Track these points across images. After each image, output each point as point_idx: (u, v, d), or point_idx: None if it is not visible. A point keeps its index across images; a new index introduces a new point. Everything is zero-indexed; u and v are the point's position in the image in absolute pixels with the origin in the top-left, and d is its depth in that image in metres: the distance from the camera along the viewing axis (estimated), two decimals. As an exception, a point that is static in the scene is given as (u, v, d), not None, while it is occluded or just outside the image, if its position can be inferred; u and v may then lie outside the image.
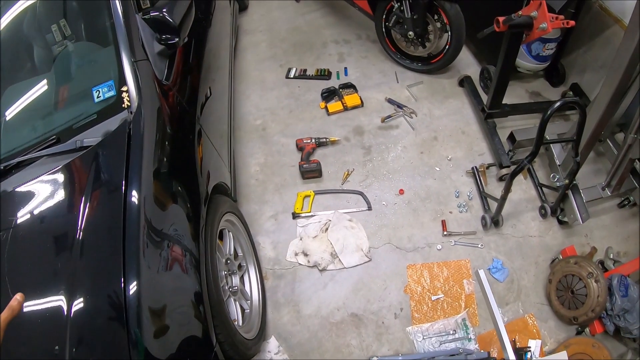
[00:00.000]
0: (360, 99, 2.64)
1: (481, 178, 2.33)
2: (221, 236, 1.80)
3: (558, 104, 1.50)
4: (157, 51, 1.67)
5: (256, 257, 2.06)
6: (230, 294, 1.75)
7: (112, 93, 1.53)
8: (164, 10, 1.62)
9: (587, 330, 2.00)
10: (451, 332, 2.03)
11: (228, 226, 1.86)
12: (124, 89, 1.49)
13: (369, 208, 2.26)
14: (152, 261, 1.22)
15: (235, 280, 1.86)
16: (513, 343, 2.01)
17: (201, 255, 1.42)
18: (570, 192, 2.08)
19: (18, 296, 0.90)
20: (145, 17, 1.63)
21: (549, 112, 1.52)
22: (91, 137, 1.44)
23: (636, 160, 1.90)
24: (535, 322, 2.07)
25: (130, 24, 1.60)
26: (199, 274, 1.38)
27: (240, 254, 1.97)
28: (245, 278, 1.98)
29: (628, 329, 1.86)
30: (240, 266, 1.95)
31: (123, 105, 1.46)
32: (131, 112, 1.44)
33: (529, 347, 2.01)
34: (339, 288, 2.09)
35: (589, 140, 1.85)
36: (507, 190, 1.92)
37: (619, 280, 1.88)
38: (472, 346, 2.00)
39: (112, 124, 1.44)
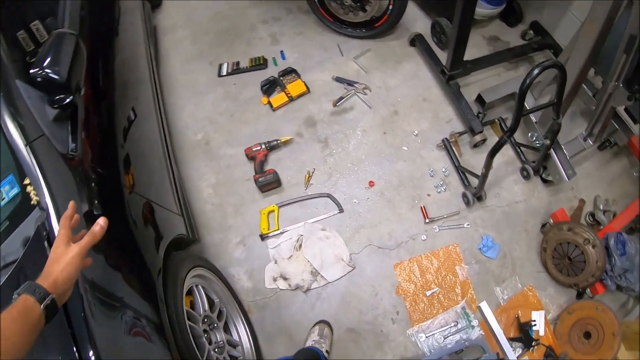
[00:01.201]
0: (305, 84, 2.33)
1: (454, 150, 2.12)
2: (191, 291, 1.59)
3: (536, 71, 1.26)
4: (52, 118, 1.30)
5: (235, 298, 1.84)
6: (217, 353, 1.54)
7: (15, 190, 1.19)
8: (45, 65, 1.24)
9: (588, 291, 1.91)
10: (453, 324, 1.90)
11: (196, 282, 1.62)
12: (27, 181, 1.17)
13: (341, 210, 2.04)
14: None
15: (219, 334, 1.65)
16: (517, 320, 1.91)
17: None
18: (552, 150, 1.90)
19: (101, 221, 0.88)
20: (31, 76, 1.26)
21: (527, 82, 1.28)
22: (11, 250, 1.13)
23: (616, 103, 1.71)
24: (535, 293, 1.96)
25: (12, 97, 1.23)
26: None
27: (216, 299, 1.75)
28: (230, 324, 1.77)
29: (630, 288, 1.77)
30: (220, 312, 1.74)
31: (32, 202, 1.15)
32: (43, 208, 1.13)
33: (533, 321, 1.92)
34: (327, 305, 1.91)
35: (568, 97, 1.64)
36: (488, 167, 1.73)
37: (615, 239, 1.76)
38: (476, 333, 1.89)
39: (28, 227, 1.13)
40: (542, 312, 1.92)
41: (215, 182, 2.18)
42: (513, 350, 1.88)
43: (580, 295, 1.94)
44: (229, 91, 2.41)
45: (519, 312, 1.91)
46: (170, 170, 1.86)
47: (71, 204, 0.93)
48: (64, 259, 0.83)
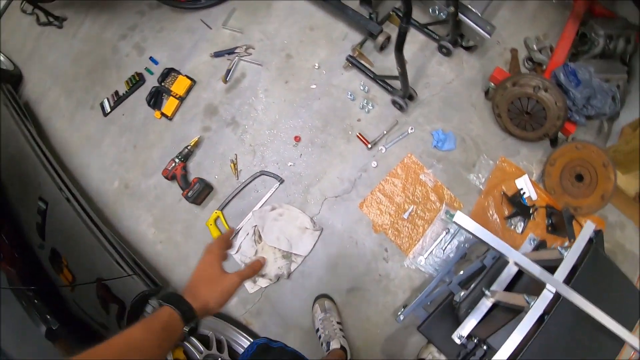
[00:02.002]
0: (188, 77, 2.10)
1: (362, 62, 1.91)
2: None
3: None
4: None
5: (227, 319, 1.71)
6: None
7: None
8: None
9: (560, 135, 1.72)
10: (445, 233, 1.74)
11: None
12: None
13: (281, 181, 1.85)
14: None
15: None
16: (504, 196, 1.74)
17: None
18: (460, 15, 1.69)
19: (261, 259, 0.85)
20: None
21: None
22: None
23: None
24: (509, 161, 1.78)
25: None
26: None
27: (208, 332, 1.63)
28: (235, 346, 1.66)
29: (599, 112, 1.59)
30: (219, 342, 1.63)
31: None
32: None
33: (520, 189, 1.75)
34: (316, 279, 1.76)
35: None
36: (403, 63, 1.53)
37: (564, 72, 1.57)
38: (472, 228, 1.72)
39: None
40: (525, 176, 1.75)
41: (153, 219, 1.99)
42: (514, 227, 1.72)
43: (554, 142, 1.77)
44: (121, 124, 2.18)
45: (503, 187, 1.74)
46: (104, 237, 1.69)
47: (229, 230, 0.87)
48: (222, 286, 0.75)
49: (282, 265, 1.76)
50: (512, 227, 1.74)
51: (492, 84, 1.81)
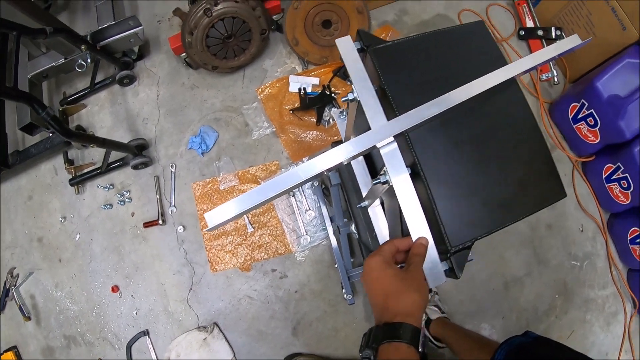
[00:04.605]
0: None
1: (85, 171, 1.61)
2: None
3: None
4: None
5: None
6: None
7: None
8: None
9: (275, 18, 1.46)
10: (292, 198, 1.45)
11: None
12: None
13: (146, 333, 1.53)
14: None
15: None
16: (295, 112, 1.47)
17: None
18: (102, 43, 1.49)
19: (422, 240, 0.68)
20: None
21: None
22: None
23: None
24: (266, 85, 1.52)
25: None
26: None
27: None
28: None
29: None
30: None
31: None
32: None
33: (300, 91, 1.49)
34: (264, 357, 1.45)
35: None
36: (91, 138, 1.26)
37: None
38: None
39: None
40: (290, 77, 1.48)
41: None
42: (330, 120, 1.45)
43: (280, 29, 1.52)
44: None
45: (286, 108, 1.48)
46: None
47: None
48: (408, 280, 0.62)
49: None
50: (328, 122, 1.48)
51: (183, 54, 1.56)
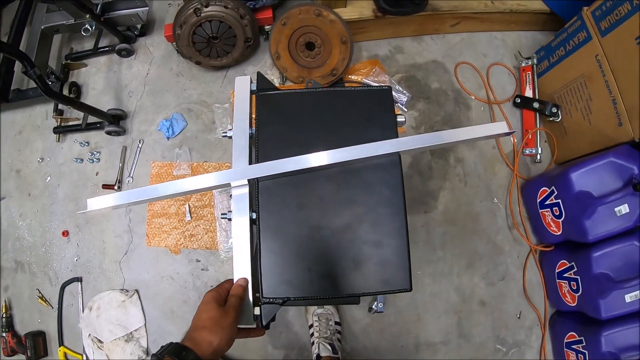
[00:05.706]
0: None
1: (70, 124, 1.78)
2: None
3: None
4: None
5: None
6: None
7: None
8: None
9: (267, 31, 1.55)
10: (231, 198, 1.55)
11: None
12: None
13: (80, 279, 1.70)
14: None
15: None
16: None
17: None
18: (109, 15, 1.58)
19: (241, 281, 0.79)
20: None
21: None
22: None
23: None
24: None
25: None
26: None
27: None
28: None
29: None
30: None
31: None
32: None
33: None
34: (170, 336, 1.58)
35: None
36: (70, 100, 1.41)
37: None
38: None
39: None
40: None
41: None
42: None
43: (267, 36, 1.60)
44: None
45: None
46: None
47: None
48: (223, 322, 0.71)
49: (132, 350, 1.60)
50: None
51: (174, 43, 1.67)
